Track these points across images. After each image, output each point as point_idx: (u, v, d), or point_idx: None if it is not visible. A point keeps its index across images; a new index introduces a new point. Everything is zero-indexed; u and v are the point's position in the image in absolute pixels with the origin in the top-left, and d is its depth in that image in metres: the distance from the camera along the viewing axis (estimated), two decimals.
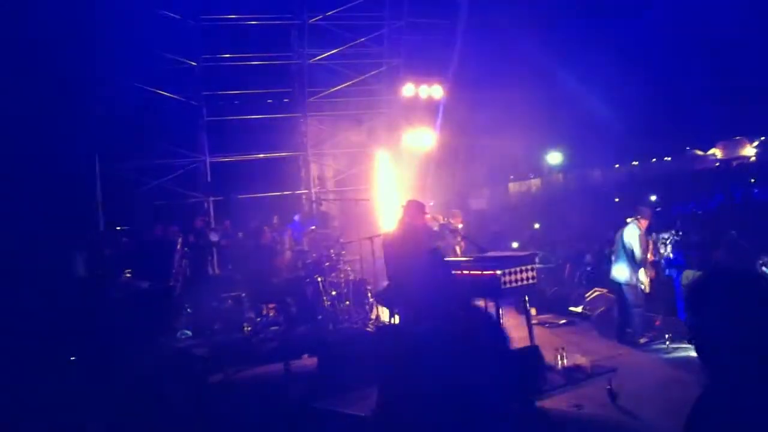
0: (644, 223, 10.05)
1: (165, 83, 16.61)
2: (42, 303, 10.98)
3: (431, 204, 13.00)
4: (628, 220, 10.27)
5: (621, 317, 10.14)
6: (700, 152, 65.77)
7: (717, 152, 64.35)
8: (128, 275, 12.06)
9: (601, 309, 11.13)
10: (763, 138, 62.42)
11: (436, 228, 12.16)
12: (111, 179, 16.00)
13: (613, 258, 10.35)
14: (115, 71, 16.02)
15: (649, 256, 10.08)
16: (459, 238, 11.07)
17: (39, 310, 10.99)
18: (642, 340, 9.70)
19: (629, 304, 9.87)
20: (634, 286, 9.82)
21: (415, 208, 8.59)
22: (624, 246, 9.96)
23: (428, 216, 12.30)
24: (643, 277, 9.81)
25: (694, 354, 7.60)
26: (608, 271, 10.57)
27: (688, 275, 13.16)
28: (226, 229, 15.48)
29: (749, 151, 62.46)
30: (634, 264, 9.81)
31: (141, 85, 16.18)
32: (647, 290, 9.91)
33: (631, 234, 9.91)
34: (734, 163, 56.88)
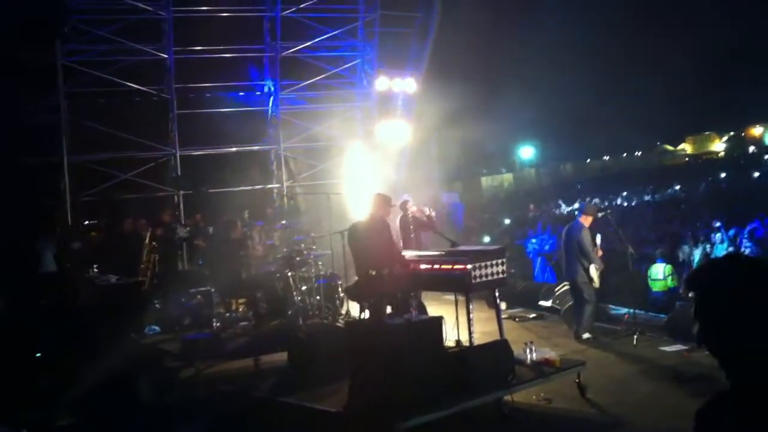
0: (589, 219, 10.09)
1: (135, 75, 16.40)
2: (9, 299, 10.81)
3: (406, 197, 13.02)
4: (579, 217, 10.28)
5: (576, 313, 10.16)
6: (669, 147, 66.66)
7: (687, 147, 65.30)
8: (95, 271, 11.91)
9: (571, 303, 11.18)
10: (732, 133, 63.42)
11: (424, 218, 12.52)
12: (79, 172, 15.78)
13: (563, 256, 10.36)
14: (83, 63, 15.85)
15: (598, 251, 10.09)
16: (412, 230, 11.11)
17: (6, 305, 10.83)
18: (585, 336, 9.70)
19: (581, 300, 9.88)
20: (586, 283, 9.80)
21: (380, 200, 8.56)
22: (572, 243, 9.96)
23: (414, 208, 12.44)
24: (594, 272, 9.82)
25: (662, 348, 7.64)
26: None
27: (658, 270, 13.33)
28: (197, 223, 15.33)
29: (718, 146, 63.43)
30: (585, 260, 9.81)
31: (110, 77, 15.98)
32: (597, 285, 9.93)
33: (579, 231, 9.93)
34: (703, 158, 57.74)
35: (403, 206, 12.47)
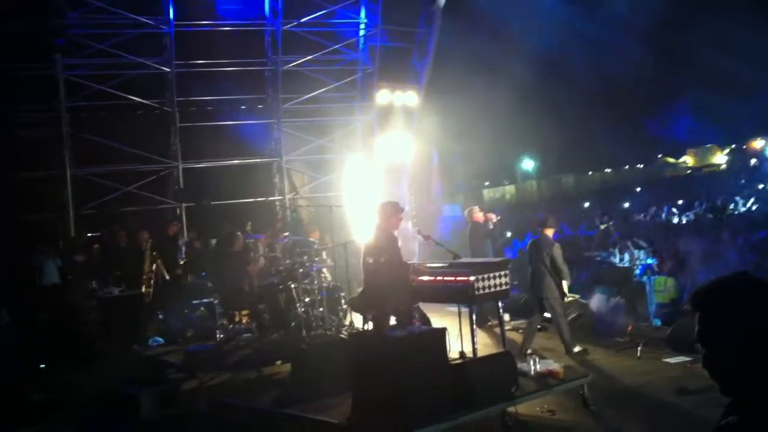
0: (552, 231, 9.92)
1: (137, 89, 16.46)
2: (13, 310, 10.83)
3: (405, 210, 13.02)
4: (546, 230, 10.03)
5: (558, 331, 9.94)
6: (671, 159, 66.65)
7: (688, 159, 65.28)
8: (95, 285, 11.93)
9: (574, 315, 11.15)
10: (734, 146, 63.43)
11: (491, 226, 12.47)
12: (82, 185, 15.82)
13: (531, 271, 10.03)
14: (85, 77, 15.92)
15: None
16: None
17: (9, 317, 10.85)
18: (576, 350, 9.58)
19: (556, 317, 9.68)
20: (557, 298, 9.61)
21: (387, 209, 8.33)
22: (542, 256, 9.73)
23: (480, 215, 12.39)
24: (565, 286, 9.64)
25: (666, 359, 7.60)
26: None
27: (661, 282, 13.28)
28: (199, 236, 15.32)
29: (720, 158, 63.40)
30: (556, 276, 9.64)
31: (112, 90, 16.04)
32: (569, 298, 9.78)
33: (551, 245, 9.75)
34: (705, 171, 57.73)
35: (470, 214, 12.56)
